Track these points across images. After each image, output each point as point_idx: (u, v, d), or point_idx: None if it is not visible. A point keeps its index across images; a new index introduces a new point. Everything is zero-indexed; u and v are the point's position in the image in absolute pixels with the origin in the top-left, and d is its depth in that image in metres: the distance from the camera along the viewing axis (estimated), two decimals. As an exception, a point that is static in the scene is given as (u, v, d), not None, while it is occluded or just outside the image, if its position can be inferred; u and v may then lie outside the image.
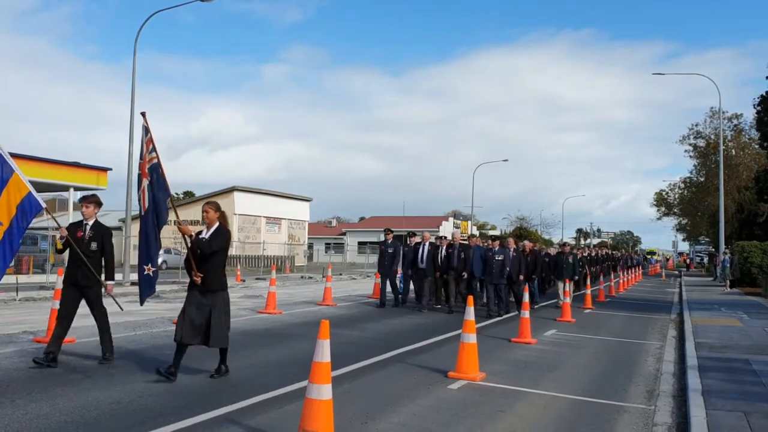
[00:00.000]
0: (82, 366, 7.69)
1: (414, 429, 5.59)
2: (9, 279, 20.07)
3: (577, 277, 17.87)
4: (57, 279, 9.71)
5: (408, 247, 16.09)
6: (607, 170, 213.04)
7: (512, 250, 15.48)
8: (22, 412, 5.57)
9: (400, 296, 16.56)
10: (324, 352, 4.78)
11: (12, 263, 26.02)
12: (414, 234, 16.86)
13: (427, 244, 15.77)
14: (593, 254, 30.11)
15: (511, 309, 15.69)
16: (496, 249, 15.06)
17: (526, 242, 18.18)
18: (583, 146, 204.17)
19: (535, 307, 17.03)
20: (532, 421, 6.08)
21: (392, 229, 16.98)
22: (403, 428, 5.59)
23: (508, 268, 14.92)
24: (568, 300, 15.35)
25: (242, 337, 10.56)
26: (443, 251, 15.94)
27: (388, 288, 16.45)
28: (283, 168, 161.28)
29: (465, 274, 15.48)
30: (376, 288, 18.71)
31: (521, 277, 15.28)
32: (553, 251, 21.08)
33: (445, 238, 16.22)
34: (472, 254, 15.47)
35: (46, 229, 30.77)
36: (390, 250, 16.08)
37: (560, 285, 17.39)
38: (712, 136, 45.47)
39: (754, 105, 32.99)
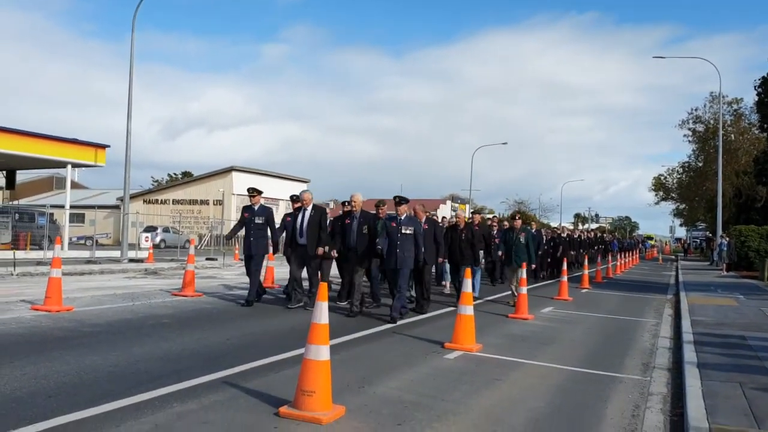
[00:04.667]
0: (80, 333, 7.70)
1: (411, 393, 5.61)
2: (7, 254, 20.10)
3: (534, 265, 13.72)
4: (55, 249, 9.70)
5: (291, 217, 11.00)
6: (608, 155, 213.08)
7: (423, 221, 11.47)
8: (20, 373, 5.59)
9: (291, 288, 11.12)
10: (322, 314, 4.79)
11: (9, 239, 25.94)
12: (297, 198, 11.38)
13: (309, 209, 10.80)
14: (576, 236, 26.71)
15: (426, 307, 11.27)
16: (403, 218, 10.17)
17: (458, 212, 13.75)
18: (584, 131, 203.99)
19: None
20: (529, 389, 6.11)
21: (260, 189, 11.68)
22: (400, 393, 5.62)
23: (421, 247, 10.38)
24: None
25: (239, 308, 10.60)
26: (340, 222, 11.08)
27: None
28: (280, 150, 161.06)
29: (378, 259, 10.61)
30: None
31: (440, 260, 11.86)
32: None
33: (347, 203, 11.31)
34: (380, 228, 10.48)
35: (43, 206, 30.77)
36: (258, 220, 11.17)
37: (509, 273, 13.75)
38: (712, 121, 45.41)
39: (755, 87, 32.88)
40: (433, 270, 14.94)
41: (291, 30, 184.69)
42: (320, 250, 10.66)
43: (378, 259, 10.71)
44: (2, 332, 7.48)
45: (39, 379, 5.41)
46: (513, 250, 13.38)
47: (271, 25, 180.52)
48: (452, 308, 11.28)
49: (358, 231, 10.48)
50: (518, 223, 13.98)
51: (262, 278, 11.93)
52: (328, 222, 11.17)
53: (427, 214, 12.40)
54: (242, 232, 11.52)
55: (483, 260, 13.98)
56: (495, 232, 16.19)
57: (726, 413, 5.15)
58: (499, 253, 14.44)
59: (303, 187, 57.01)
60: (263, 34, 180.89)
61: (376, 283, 11.69)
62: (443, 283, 15.48)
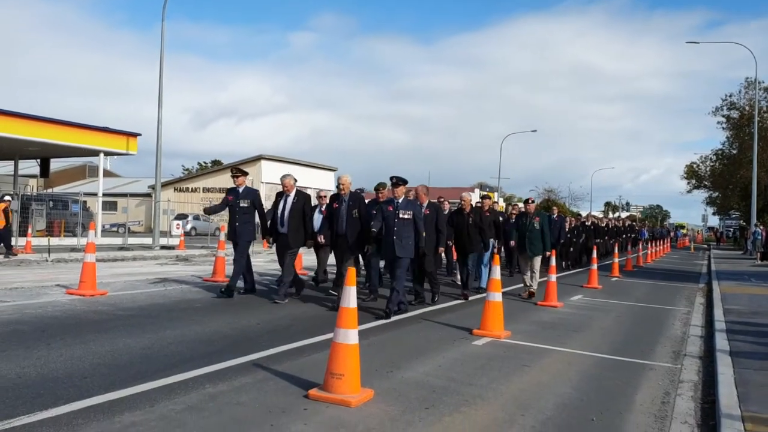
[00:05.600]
0: (114, 316, 7.86)
1: (439, 378, 5.63)
2: (42, 241, 20.52)
3: (547, 253, 11.99)
4: (89, 234, 9.88)
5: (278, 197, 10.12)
6: (639, 143, 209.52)
7: (425, 206, 10.20)
8: (56, 354, 5.73)
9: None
10: (350, 298, 4.83)
11: (44, 226, 26.44)
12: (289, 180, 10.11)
13: (291, 195, 9.94)
14: (603, 224, 25.43)
15: (436, 297, 10.65)
16: (400, 201, 8.97)
17: (464, 195, 11.87)
18: (615, 118, 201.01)
19: (470, 297, 11.34)
20: (558, 375, 6.09)
21: (244, 170, 10.44)
22: (429, 377, 5.64)
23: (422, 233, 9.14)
24: (594, 266, 15.20)
25: (268, 293, 10.71)
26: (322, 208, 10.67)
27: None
28: (309, 138, 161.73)
29: (368, 248, 9.60)
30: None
31: (441, 250, 10.53)
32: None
33: (339, 187, 10.20)
34: (376, 211, 9.35)
35: (77, 194, 31.33)
36: (244, 203, 10.04)
37: (522, 262, 12.64)
38: (747, 107, 44.40)
39: (791, 73, 32.11)
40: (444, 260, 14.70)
41: (318, 18, 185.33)
42: (310, 243, 10.14)
43: (377, 248, 9.55)
44: (39, 315, 7.66)
45: (74, 360, 5.54)
46: (527, 237, 12.05)
47: (299, 13, 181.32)
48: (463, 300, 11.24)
49: (347, 215, 9.61)
50: (531, 207, 12.50)
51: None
52: (323, 208, 10.68)
53: (441, 199, 11.87)
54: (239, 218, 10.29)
55: (496, 248, 12.91)
56: (513, 219, 14.88)
57: (759, 401, 5.09)
58: (512, 242, 13.10)
59: (331, 175, 57.25)
60: (291, 23, 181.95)
61: (374, 274, 10.65)
62: (454, 271, 14.47)
